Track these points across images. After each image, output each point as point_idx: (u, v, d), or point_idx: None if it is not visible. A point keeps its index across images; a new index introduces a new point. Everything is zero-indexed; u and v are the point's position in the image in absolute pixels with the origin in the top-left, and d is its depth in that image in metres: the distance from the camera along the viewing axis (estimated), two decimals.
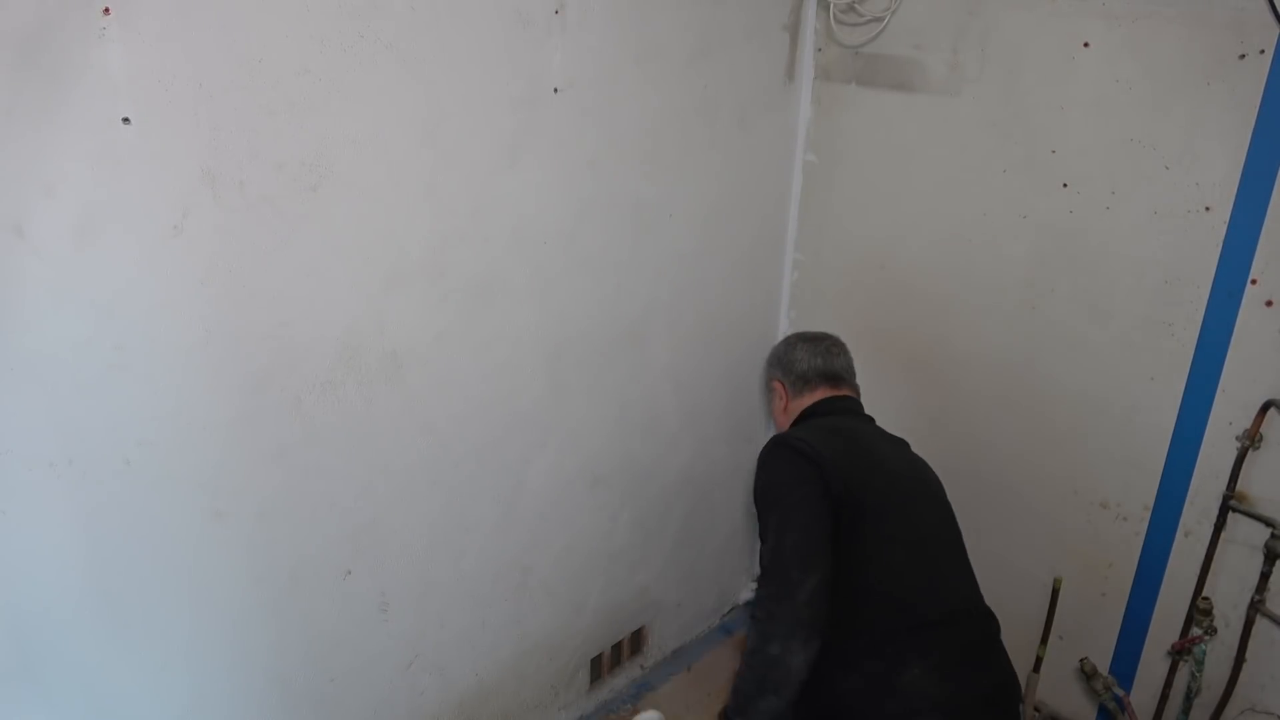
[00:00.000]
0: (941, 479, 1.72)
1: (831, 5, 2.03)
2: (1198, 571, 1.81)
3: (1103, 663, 1.99)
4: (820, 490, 1.49)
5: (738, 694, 1.50)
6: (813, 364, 1.84)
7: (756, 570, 2.64)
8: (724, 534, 2.48)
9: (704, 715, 2.26)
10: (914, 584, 1.51)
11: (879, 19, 1.97)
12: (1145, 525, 1.88)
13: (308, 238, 1.36)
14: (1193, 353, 1.73)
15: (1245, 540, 1.75)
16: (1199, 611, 1.77)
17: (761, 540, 1.56)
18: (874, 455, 1.63)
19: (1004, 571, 2.08)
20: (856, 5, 2.00)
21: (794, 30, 2.09)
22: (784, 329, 2.37)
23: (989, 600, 1.62)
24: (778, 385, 1.89)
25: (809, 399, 1.82)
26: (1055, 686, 2.08)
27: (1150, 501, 1.86)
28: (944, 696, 1.44)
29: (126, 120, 1.13)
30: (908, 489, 1.62)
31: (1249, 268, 1.63)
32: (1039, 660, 2.04)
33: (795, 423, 1.81)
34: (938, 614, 1.50)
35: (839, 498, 1.49)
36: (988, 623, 1.58)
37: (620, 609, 2.23)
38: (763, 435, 2.43)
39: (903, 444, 1.77)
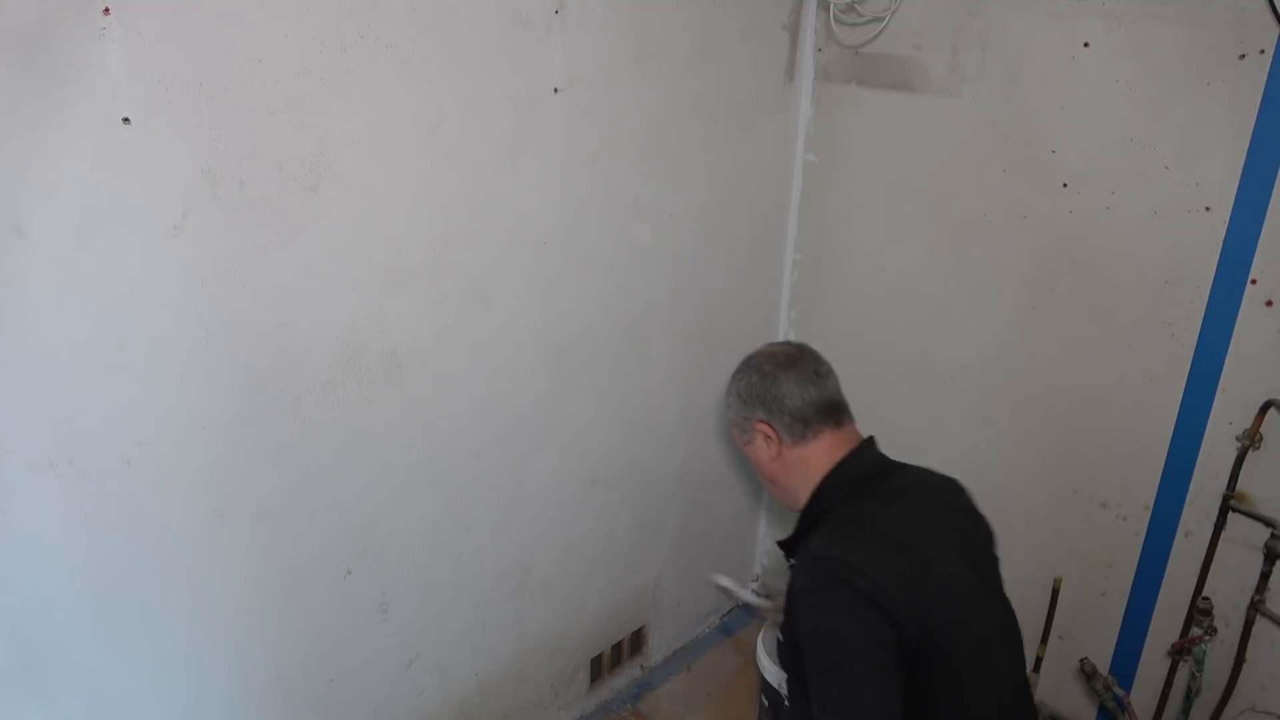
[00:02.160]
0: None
1: (831, 5, 2.03)
2: (1198, 571, 1.81)
3: (1103, 663, 1.99)
4: (894, 652, 1.19)
5: None
6: (806, 396, 1.40)
7: (757, 571, 2.65)
8: (724, 534, 2.48)
9: (704, 715, 2.26)
10: (981, 715, 1.30)
11: (879, 19, 1.97)
12: (1145, 525, 1.87)
13: (308, 238, 1.36)
14: (1193, 353, 1.73)
15: (1245, 540, 1.75)
16: (1199, 611, 1.77)
17: (812, 698, 1.22)
18: (938, 564, 1.30)
19: (1004, 572, 2.08)
20: (856, 5, 1.99)
21: (794, 30, 2.09)
22: (784, 329, 2.37)
23: None
24: (764, 428, 1.43)
25: (815, 448, 1.40)
26: (1055, 686, 2.08)
27: (1150, 501, 1.86)
28: None
29: (126, 120, 1.13)
30: (970, 594, 1.33)
31: (1249, 268, 1.63)
32: (1039, 660, 2.04)
33: (815, 497, 1.40)
34: None
35: (913, 647, 1.20)
36: None
37: (620, 609, 2.23)
38: None
39: (939, 500, 1.43)
